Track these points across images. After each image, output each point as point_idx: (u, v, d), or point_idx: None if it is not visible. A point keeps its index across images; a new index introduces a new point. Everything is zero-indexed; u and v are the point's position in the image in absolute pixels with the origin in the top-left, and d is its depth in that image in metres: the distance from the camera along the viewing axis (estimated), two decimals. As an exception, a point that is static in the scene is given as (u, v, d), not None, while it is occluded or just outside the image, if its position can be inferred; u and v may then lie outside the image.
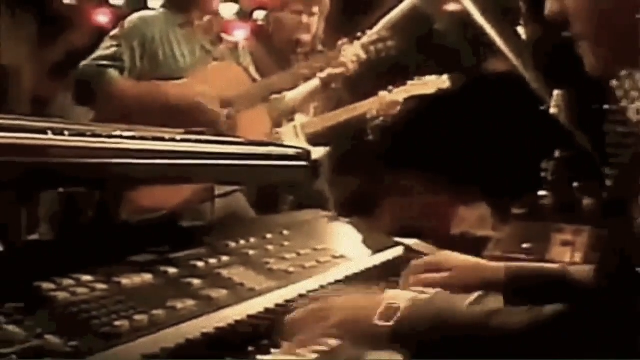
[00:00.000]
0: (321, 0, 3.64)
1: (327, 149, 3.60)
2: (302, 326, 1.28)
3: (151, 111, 2.84)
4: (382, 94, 3.62)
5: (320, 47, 3.62)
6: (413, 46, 4.67)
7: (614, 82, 1.24)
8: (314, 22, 3.61)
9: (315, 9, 3.60)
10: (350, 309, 1.29)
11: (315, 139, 3.57)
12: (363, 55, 3.32)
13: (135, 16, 3.12)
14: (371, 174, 4.42)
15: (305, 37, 3.57)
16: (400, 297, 1.41)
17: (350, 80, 3.69)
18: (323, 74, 3.34)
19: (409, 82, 3.67)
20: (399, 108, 3.61)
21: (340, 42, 3.45)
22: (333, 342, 1.25)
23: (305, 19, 3.58)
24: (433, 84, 3.68)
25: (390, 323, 1.22)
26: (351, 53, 3.30)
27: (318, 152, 3.56)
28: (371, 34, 3.42)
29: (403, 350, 1.22)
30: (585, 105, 4.42)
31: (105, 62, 2.96)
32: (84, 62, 3.01)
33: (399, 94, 3.62)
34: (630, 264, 1.10)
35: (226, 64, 3.18)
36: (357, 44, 3.37)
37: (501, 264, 1.65)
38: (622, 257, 1.13)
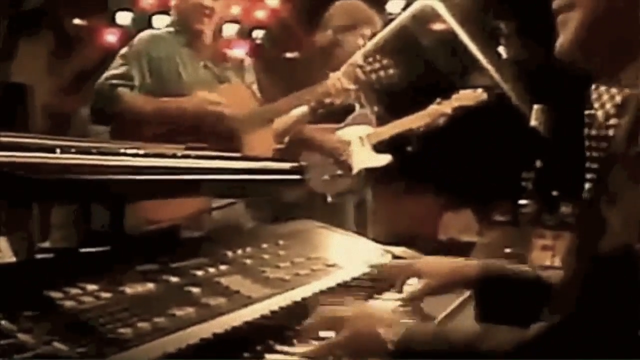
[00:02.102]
0: (375, 21, 3.64)
1: (391, 156, 3.61)
2: (315, 332, 1.31)
3: (167, 123, 2.85)
4: (433, 106, 3.62)
5: None
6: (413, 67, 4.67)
7: (592, 87, 1.25)
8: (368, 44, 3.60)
9: (367, 31, 3.60)
10: (359, 323, 1.30)
11: (380, 147, 3.58)
12: (352, 87, 3.27)
13: (144, 34, 3.10)
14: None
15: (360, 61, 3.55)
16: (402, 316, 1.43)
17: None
18: (312, 102, 3.33)
19: (453, 96, 3.68)
20: (444, 119, 3.62)
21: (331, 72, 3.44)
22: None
23: (360, 41, 3.58)
24: (474, 96, 3.70)
25: (394, 339, 1.23)
26: (343, 82, 3.26)
27: (385, 159, 3.58)
28: (369, 59, 3.36)
29: None
30: (563, 115, 4.44)
31: (116, 81, 2.96)
32: (98, 82, 3.01)
33: (447, 105, 3.64)
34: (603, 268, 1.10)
35: (234, 87, 3.13)
36: (344, 70, 3.32)
37: (476, 262, 1.66)
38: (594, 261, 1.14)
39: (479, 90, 3.72)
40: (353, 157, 3.50)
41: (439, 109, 3.61)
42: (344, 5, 3.71)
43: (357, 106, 3.65)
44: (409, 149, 3.74)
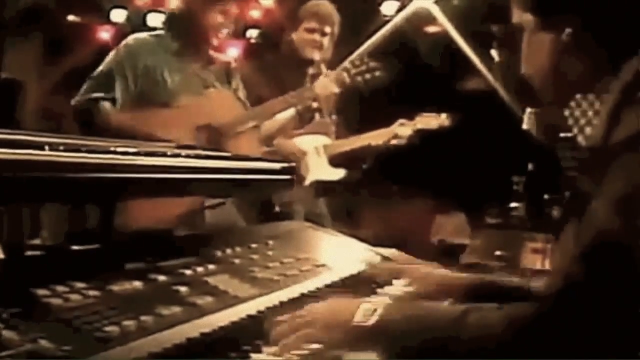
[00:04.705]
0: (334, 21, 3.64)
1: (345, 171, 3.62)
2: (287, 333, 1.30)
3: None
4: (395, 125, 3.66)
5: (324, 69, 3.56)
6: (397, 68, 4.67)
7: (566, 111, 1.26)
8: (326, 42, 3.60)
9: (328, 29, 3.60)
10: (330, 314, 1.30)
11: (335, 160, 3.59)
12: (337, 90, 3.27)
13: (130, 39, 3.06)
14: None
15: (316, 56, 3.56)
16: (378, 300, 1.43)
17: (341, 107, 3.72)
18: (300, 107, 3.33)
19: (417, 118, 3.71)
20: (406, 140, 3.66)
21: (311, 73, 3.46)
22: (316, 346, 1.27)
23: (317, 37, 3.58)
24: (436, 121, 3.73)
25: (369, 323, 1.23)
26: (328, 86, 3.25)
27: (339, 173, 3.59)
28: (356, 62, 3.35)
29: (381, 349, 1.23)
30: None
31: (97, 95, 2.94)
32: (80, 93, 2.98)
33: (409, 127, 3.64)
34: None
35: (218, 92, 3.11)
36: (334, 75, 3.31)
37: (464, 275, 1.65)
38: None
39: (443, 115, 3.76)
40: (308, 167, 3.49)
41: (401, 130, 3.64)
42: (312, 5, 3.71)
43: (317, 115, 3.65)
44: (364, 166, 3.77)
